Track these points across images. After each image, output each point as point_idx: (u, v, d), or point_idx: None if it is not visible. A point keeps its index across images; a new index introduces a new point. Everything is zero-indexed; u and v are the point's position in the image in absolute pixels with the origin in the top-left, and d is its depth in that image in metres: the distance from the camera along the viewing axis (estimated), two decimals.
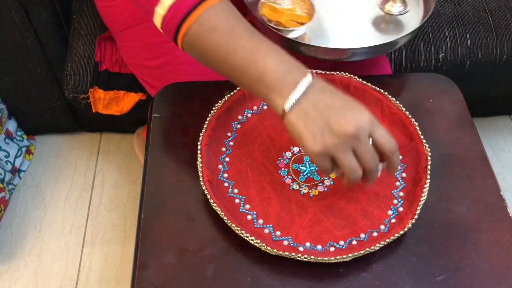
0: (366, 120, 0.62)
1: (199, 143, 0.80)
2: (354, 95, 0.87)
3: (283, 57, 0.64)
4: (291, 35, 0.86)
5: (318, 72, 0.87)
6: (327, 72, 0.88)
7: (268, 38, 0.66)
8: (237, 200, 0.76)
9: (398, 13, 0.91)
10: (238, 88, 0.86)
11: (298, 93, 0.62)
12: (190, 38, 0.67)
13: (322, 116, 0.62)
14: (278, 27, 0.86)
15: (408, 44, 1.17)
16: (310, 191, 0.78)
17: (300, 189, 0.78)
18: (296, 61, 0.65)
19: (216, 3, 0.66)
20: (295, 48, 0.86)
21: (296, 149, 0.83)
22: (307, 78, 0.62)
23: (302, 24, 0.87)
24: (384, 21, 0.93)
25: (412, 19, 0.92)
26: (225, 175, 0.79)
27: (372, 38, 0.90)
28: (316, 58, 0.86)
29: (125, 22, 1.02)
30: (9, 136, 1.39)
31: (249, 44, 0.64)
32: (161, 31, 0.70)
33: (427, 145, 0.79)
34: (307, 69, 0.65)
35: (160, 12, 0.67)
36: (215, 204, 0.72)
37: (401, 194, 0.77)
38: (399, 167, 0.68)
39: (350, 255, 0.69)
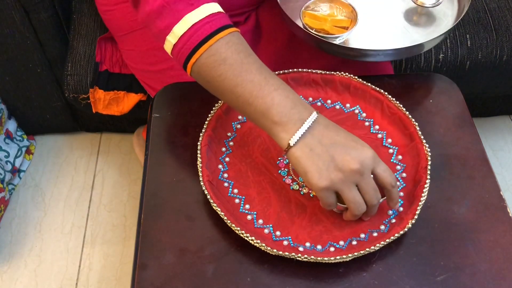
0: (370, 156, 0.65)
1: (199, 143, 0.80)
2: (354, 95, 0.88)
3: (289, 93, 0.66)
4: (337, 41, 0.87)
5: (319, 72, 0.87)
6: (327, 72, 0.88)
7: (279, 79, 0.68)
8: (237, 200, 0.76)
9: (431, 5, 0.92)
10: None
11: (304, 129, 0.64)
12: (199, 68, 0.68)
13: (327, 152, 0.64)
14: (324, 35, 0.86)
15: None
16: (310, 191, 0.78)
17: (300, 189, 0.78)
18: (301, 98, 0.67)
19: (227, 34, 0.67)
20: (340, 53, 0.87)
21: None
22: (313, 115, 0.65)
23: (346, 28, 0.87)
24: (417, 13, 0.93)
25: (447, 11, 0.93)
26: (225, 175, 0.79)
27: (408, 36, 0.90)
28: (365, 61, 0.88)
29: (128, 27, 1.01)
30: (9, 136, 1.39)
31: (258, 78, 0.66)
32: (171, 56, 0.72)
33: (427, 145, 0.79)
34: (311, 106, 0.67)
35: (171, 40, 0.69)
36: (215, 204, 0.72)
37: (401, 194, 0.77)
38: (397, 206, 0.72)
39: (350, 255, 0.69)
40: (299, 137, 0.64)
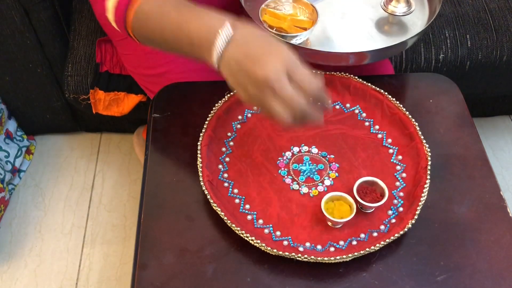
0: (282, 63, 0.62)
1: (199, 143, 0.80)
2: (354, 95, 0.88)
3: (205, 18, 0.67)
4: (294, 41, 0.84)
5: (318, 72, 0.86)
6: (327, 72, 0.88)
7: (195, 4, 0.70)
8: (237, 200, 0.76)
9: (402, 14, 0.89)
10: None
11: (219, 48, 0.64)
12: (135, 31, 0.74)
13: (241, 68, 0.63)
14: (280, 33, 0.84)
15: None
16: (310, 191, 0.78)
17: (300, 189, 0.78)
18: (219, 17, 0.66)
19: None
20: (299, 54, 0.84)
21: (296, 149, 0.83)
22: (226, 31, 0.64)
23: (305, 29, 0.86)
24: (388, 23, 0.91)
25: (418, 20, 0.90)
26: (225, 175, 0.79)
27: (376, 41, 0.88)
28: (320, 64, 0.84)
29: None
30: (9, 136, 1.39)
31: (175, 18, 0.69)
32: (117, 28, 0.77)
33: (427, 145, 0.79)
34: (227, 21, 0.65)
35: (110, 17, 0.76)
36: (215, 204, 0.72)
37: (401, 194, 0.77)
38: (331, 105, 0.70)
39: (350, 255, 0.69)
40: (218, 57, 0.65)
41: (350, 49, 0.86)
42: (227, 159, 0.81)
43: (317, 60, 0.84)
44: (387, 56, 0.93)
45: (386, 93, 0.85)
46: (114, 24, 0.77)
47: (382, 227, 0.74)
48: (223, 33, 0.64)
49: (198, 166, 0.77)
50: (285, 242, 0.72)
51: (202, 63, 0.68)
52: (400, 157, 0.81)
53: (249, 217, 0.75)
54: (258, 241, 0.69)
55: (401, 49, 0.88)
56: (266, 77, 0.61)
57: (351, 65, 0.87)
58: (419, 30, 0.86)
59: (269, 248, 0.69)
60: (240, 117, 0.86)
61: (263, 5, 0.87)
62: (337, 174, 0.80)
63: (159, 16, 0.71)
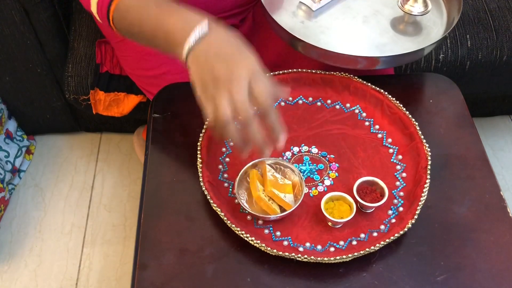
0: (247, 69, 0.64)
1: (199, 143, 0.80)
2: (354, 95, 0.88)
3: (184, 14, 0.69)
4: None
5: (318, 72, 0.86)
6: (327, 72, 0.88)
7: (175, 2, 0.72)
8: (237, 201, 0.76)
9: (419, 14, 0.87)
10: None
11: (192, 41, 0.66)
12: (116, 24, 0.76)
13: (208, 64, 0.65)
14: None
15: None
16: (310, 191, 0.78)
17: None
18: (198, 16, 0.68)
19: None
20: (314, 55, 0.83)
21: (296, 149, 0.83)
22: (202, 28, 0.66)
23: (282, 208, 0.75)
24: (404, 22, 0.89)
25: (434, 25, 0.89)
26: (225, 175, 0.79)
27: (393, 45, 0.86)
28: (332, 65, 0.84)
29: None
30: (9, 136, 1.39)
31: (154, 13, 0.71)
32: (100, 20, 0.78)
33: (427, 145, 0.79)
34: (206, 20, 0.67)
35: (93, 11, 0.77)
36: (215, 205, 0.72)
37: (401, 194, 0.77)
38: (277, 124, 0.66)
39: (350, 255, 0.69)
40: (188, 50, 0.66)
41: (363, 52, 0.85)
42: (227, 159, 0.81)
43: (328, 61, 0.84)
44: (402, 63, 0.91)
45: (386, 93, 0.85)
46: (97, 16, 0.78)
47: (382, 227, 0.74)
48: (198, 30, 0.66)
49: (198, 166, 0.77)
50: (285, 242, 0.72)
51: (174, 58, 0.69)
52: (400, 156, 0.81)
53: (249, 217, 0.75)
54: (258, 241, 0.69)
55: (417, 57, 0.86)
56: (229, 77, 0.63)
57: (361, 69, 0.86)
58: (435, 33, 0.85)
59: (269, 249, 0.69)
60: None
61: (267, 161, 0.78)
62: (337, 174, 0.80)
63: (139, 9, 0.72)
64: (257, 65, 0.65)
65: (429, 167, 0.77)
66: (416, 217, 0.72)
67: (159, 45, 0.72)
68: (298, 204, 0.73)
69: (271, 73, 0.87)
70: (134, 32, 0.75)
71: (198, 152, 0.78)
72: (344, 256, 0.68)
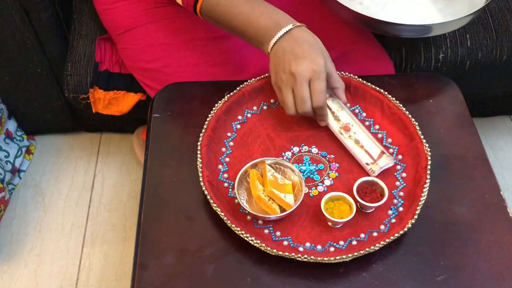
0: (310, 69, 0.77)
1: (199, 143, 0.80)
2: (354, 94, 0.88)
3: (273, 15, 0.82)
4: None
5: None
6: None
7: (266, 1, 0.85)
8: (237, 201, 0.76)
9: None
10: (237, 88, 0.86)
11: (276, 38, 0.80)
12: (204, 13, 0.86)
13: (283, 57, 0.79)
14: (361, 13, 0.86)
15: (408, 44, 1.17)
16: (310, 191, 0.78)
17: None
18: (286, 16, 0.82)
19: None
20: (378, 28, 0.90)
21: (296, 149, 0.83)
22: (286, 28, 0.80)
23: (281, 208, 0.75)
24: None
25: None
26: (225, 175, 0.79)
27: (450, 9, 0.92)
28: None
29: (126, 25, 1.02)
30: (9, 136, 1.39)
31: (246, 10, 0.82)
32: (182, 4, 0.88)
33: (427, 145, 0.79)
34: (292, 22, 0.81)
35: (178, 1, 0.88)
36: (215, 205, 0.72)
37: (401, 194, 0.77)
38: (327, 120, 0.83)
39: (350, 255, 0.69)
40: (272, 46, 0.80)
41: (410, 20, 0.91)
42: (227, 159, 0.81)
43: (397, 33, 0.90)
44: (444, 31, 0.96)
45: (386, 93, 0.85)
46: (180, 2, 0.88)
47: (382, 227, 0.74)
48: (283, 30, 0.79)
49: (198, 166, 0.77)
50: (285, 242, 0.72)
51: (255, 46, 0.84)
52: (400, 156, 0.81)
53: (249, 217, 0.75)
54: (258, 241, 0.69)
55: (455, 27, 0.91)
56: (294, 73, 0.77)
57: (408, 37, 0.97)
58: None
59: (269, 248, 0.69)
60: (240, 117, 0.86)
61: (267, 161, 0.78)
62: (337, 174, 0.80)
63: (229, 5, 0.83)
64: (321, 67, 0.77)
65: (429, 167, 0.77)
66: (416, 217, 0.72)
67: (247, 38, 0.84)
68: (298, 204, 0.73)
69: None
70: (221, 23, 0.85)
71: (198, 152, 0.78)
72: (344, 256, 0.68)
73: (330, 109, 0.84)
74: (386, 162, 0.79)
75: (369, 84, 0.87)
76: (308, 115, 0.81)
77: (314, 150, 0.83)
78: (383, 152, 0.79)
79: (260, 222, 0.74)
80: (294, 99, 0.79)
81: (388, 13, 0.94)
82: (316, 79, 0.77)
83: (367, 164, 0.79)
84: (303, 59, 0.77)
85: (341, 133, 0.82)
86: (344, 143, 0.82)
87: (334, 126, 0.83)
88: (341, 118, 0.83)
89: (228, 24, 0.84)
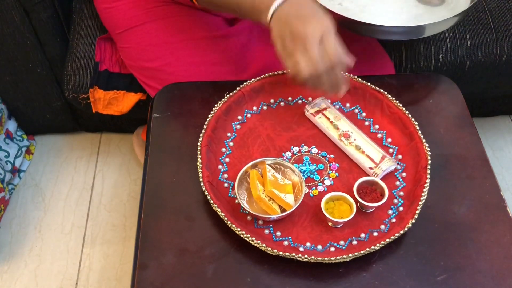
0: (320, 28, 0.73)
1: (199, 143, 0.80)
2: (354, 94, 0.88)
3: None
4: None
5: None
6: None
7: None
8: (237, 201, 0.76)
9: None
10: (237, 88, 0.86)
11: (275, 6, 0.76)
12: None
13: (287, 22, 0.75)
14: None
15: (408, 44, 1.17)
16: (310, 191, 0.78)
17: None
18: None
19: None
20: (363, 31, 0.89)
21: (296, 149, 0.83)
22: None
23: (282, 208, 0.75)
24: None
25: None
26: (225, 175, 0.79)
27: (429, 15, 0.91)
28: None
29: (126, 24, 1.02)
30: (9, 136, 1.39)
31: None
32: None
33: (427, 145, 0.79)
34: None
35: None
36: (215, 205, 0.72)
37: (401, 193, 0.77)
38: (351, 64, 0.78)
39: (350, 255, 0.69)
40: (271, 14, 0.76)
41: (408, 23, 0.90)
42: (227, 159, 0.81)
43: (377, 36, 0.91)
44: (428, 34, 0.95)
45: (386, 92, 0.85)
46: None
47: (382, 226, 0.74)
48: None
49: (198, 166, 0.77)
50: (286, 242, 0.72)
51: (255, 22, 0.80)
52: (400, 156, 0.81)
53: (249, 217, 0.75)
54: (259, 241, 0.69)
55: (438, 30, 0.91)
56: (303, 33, 0.73)
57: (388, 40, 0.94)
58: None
59: (269, 249, 0.69)
60: (239, 117, 0.86)
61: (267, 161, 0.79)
62: (337, 174, 0.80)
63: None
64: (330, 25, 0.74)
65: (429, 167, 0.77)
66: (416, 217, 0.72)
67: (244, 14, 0.83)
68: (298, 204, 0.73)
69: (280, 72, 0.88)
70: (217, 3, 0.84)
71: (198, 152, 0.78)
72: (344, 256, 0.68)
73: (327, 118, 0.84)
74: (388, 165, 0.79)
75: (369, 84, 0.87)
76: (322, 88, 0.76)
77: (314, 150, 0.83)
78: (384, 156, 0.79)
79: (260, 222, 0.74)
80: (307, 61, 0.74)
81: (367, 15, 0.92)
82: (328, 35, 0.73)
83: (371, 168, 0.79)
84: (310, 19, 0.74)
85: (341, 140, 0.82)
86: (345, 150, 0.82)
87: (334, 134, 0.83)
88: (340, 127, 0.83)
89: (224, 2, 0.83)
